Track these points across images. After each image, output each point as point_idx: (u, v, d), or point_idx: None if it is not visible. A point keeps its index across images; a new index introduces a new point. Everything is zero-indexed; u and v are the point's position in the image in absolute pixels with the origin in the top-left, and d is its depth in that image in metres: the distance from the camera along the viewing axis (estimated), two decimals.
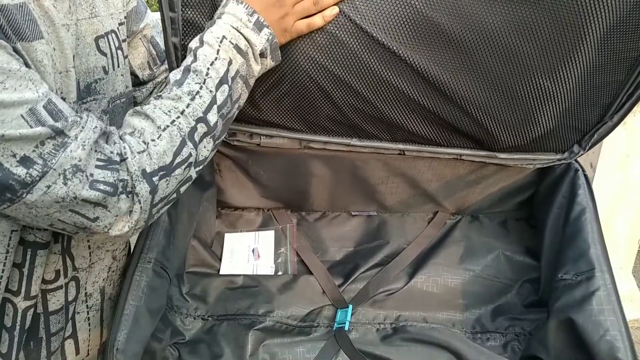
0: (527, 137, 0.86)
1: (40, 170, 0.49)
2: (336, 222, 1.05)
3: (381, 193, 1.00)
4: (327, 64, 0.76)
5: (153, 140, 0.57)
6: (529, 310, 0.90)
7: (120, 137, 0.56)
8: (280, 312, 0.89)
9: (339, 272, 0.96)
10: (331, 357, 0.85)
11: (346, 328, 0.88)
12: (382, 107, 0.82)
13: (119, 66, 0.71)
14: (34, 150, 0.49)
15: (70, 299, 0.70)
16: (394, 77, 0.77)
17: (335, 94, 0.80)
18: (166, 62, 0.82)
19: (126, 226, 0.56)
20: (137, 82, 0.84)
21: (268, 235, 1.02)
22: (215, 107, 0.62)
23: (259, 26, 0.66)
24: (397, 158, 0.93)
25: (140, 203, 0.55)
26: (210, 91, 0.61)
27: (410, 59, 0.75)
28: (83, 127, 0.52)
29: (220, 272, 0.95)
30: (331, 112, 0.83)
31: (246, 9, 0.65)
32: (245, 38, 0.65)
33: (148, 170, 0.55)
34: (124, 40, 0.73)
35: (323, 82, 0.78)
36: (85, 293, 0.72)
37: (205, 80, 0.61)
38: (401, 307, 0.93)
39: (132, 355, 0.65)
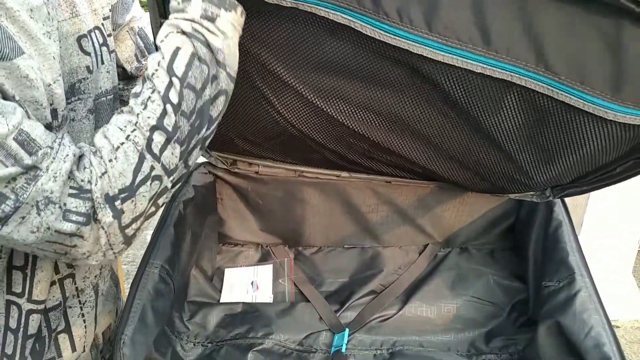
0: (498, 193, 0.94)
1: (12, 205, 0.49)
2: (331, 255, 1.10)
3: (372, 222, 1.06)
4: (305, 130, 0.82)
5: (110, 160, 0.54)
6: (521, 330, 0.92)
7: (89, 160, 0.55)
8: (279, 335, 0.91)
9: (335, 299, 1.00)
10: None
11: (343, 350, 0.90)
12: (363, 163, 0.92)
13: (103, 63, 0.69)
14: (5, 186, 0.49)
15: (67, 295, 0.72)
16: (375, 152, 0.86)
17: (318, 150, 0.89)
18: None
19: (100, 253, 0.56)
20: (125, 75, 0.83)
21: (266, 269, 1.06)
22: (169, 109, 0.56)
23: None
24: (385, 185, 1.00)
25: (104, 229, 0.54)
26: (159, 92, 0.56)
27: (390, 146, 0.81)
28: (54, 158, 0.51)
29: (220, 302, 0.98)
30: (318, 158, 0.92)
31: None
32: (182, 17, 0.58)
33: (110, 194, 0.53)
34: (109, 35, 0.72)
35: (307, 137, 0.85)
36: (76, 288, 0.73)
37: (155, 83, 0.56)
38: (397, 333, 0.95)
39: (137, 351, 0.67)
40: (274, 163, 0.97)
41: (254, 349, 0.88)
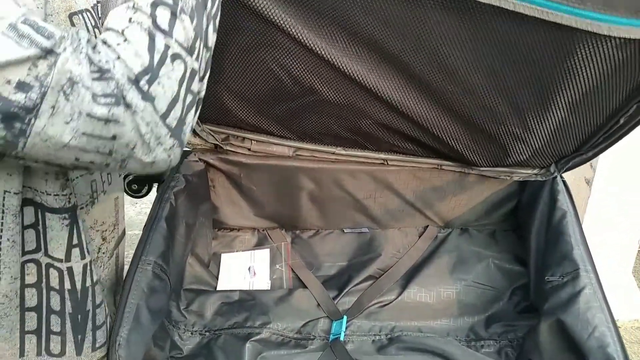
0: (500, 164, 0.92)
1: (38, 92, 0.48)
2: (329, 238, 1.07)
3: (370, 208, 1.03)
4: (306, 80, 0.78)
5: (119, 44, 0.52)
6: (521, 316, 0.91)
7: (101, 46, 0.52)
8: (277, 324, 0.90)
9: (333, 285, 0.98)
10: None
11: (341, 338, 0.89)
12: (360, 124, 0.87)
13: None
14: (27, 74, 0.48)
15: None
16: (370, 107, 0.82)
17: (314, 109, 0.85)
18: None
19: (145, 147, 0.53)
20: None
21: (263, 254, 1.04)
22: None
23: None
24: (383, 170, 0.96)
25: (138, 114, 0.52)
26: None
27: (385, 95, 0.78)
28: (72, 40, 0.50)
29: (218, 289, 0.97)
30: (314, 122, 0.88)
31: None
32: None
33: (132, 76, 0.51)
34: (99, 19, 0.71)
35: (307, 89, 0.81)
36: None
37: None
38: (395, 318, 0.94)
39: (134, 352, 0.66)
40: (268, 137, 0.93)
41: (252, 339, 0.87)
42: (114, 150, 0.53)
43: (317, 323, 0.93)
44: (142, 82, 0.52)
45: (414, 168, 0.97)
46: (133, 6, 0.54)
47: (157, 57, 0.53)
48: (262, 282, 0.99)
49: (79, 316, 0.68)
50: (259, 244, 1.06)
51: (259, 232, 1.08)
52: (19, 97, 0.48)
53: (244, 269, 1.01)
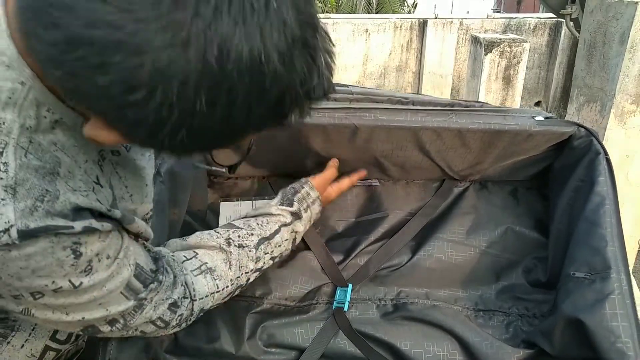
0: None
1: (120, 328, 0.58)
2: None
3: (385, 164, 0.93)
4: None
5: (224, 288, 0.68)
6: (535, 290, 0.87)
7: (186, 281, 0.64)
8: (278, 294, 0.86)
9: (339, 247, 0.92)
10: (330, 338, 0.83)
11: (345, 309, 0.86)
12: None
13: None
14: (121, 316, 0.57)
15: None
16: None
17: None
18: None
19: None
20: None
21: None
22: (253, 275, 0.74)
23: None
24: (402, 128, 0.84)
25: (179, 327, 0.65)
26: (273, 258, 0.77)
27: None
28: (158, 291, 0.59)
29: None
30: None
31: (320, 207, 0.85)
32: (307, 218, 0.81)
33: (205, 308, 0.67)
34: None
35: None
36: None
37: (273, 251, 0.76)
38: (402, 283, 0.90)
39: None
40: None
41: (252, 311, 0.84)
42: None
43: (320, 289, 0.88)
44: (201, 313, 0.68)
45: (438, 128, 0.84)
46: (253, 270, 0.73)
47: (217, 302, 0.70)
48: None
49: None
50: (260, 193, 0.98)
51: (260, 180, 0.99)
52: (105, 329, 0.57)
53: None
